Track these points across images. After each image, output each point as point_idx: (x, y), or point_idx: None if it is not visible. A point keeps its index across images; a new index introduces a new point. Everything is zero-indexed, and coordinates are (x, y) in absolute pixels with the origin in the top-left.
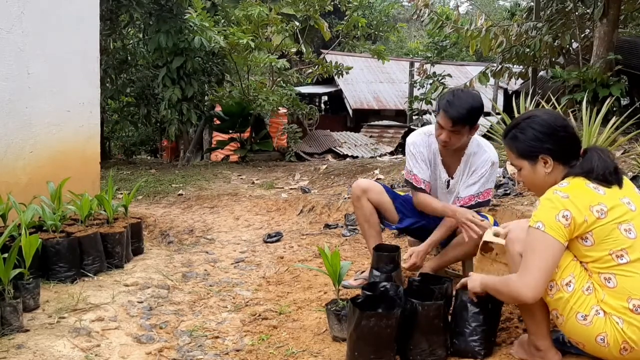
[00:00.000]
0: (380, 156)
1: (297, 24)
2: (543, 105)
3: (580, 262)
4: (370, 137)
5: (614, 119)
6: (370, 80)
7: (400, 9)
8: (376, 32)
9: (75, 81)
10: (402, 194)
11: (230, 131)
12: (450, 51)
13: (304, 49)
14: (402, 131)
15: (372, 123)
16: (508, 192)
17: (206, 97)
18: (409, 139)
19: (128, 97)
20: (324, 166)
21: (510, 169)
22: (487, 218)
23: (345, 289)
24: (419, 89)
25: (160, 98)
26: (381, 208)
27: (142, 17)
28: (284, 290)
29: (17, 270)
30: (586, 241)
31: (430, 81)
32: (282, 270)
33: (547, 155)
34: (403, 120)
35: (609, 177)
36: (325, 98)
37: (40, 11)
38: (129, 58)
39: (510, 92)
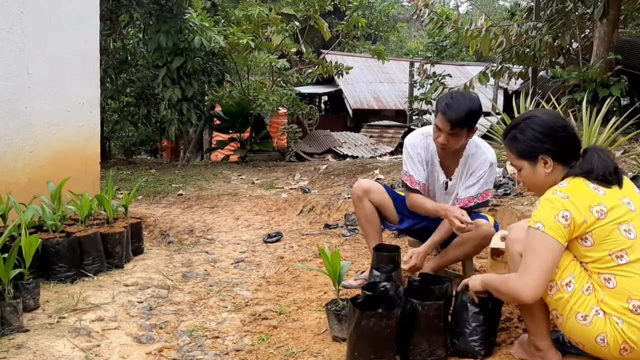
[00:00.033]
0: (380, 156)
1: (297, 24)
2: (543, 105)
3: (580, 263)
4: (370, 137)
5: (614, 119)
6: (370, 80)
7: (400, 9)
8: (376, 32)
9: (75, 81)
10: (402, 194)
11: (230, 131)
12: (450, 51)
13: (304, 49)
14: (402, 131)
15: (372, 123)
16: (508, 192)
17: (206, 97)
18: (406, 140)
19: (128, 97)
20: (324, 166)
21: (510, 169)
22: (487, 219)
23: (345, 289)
24: (419, 89)
25: (160, 98)
26: (382, 208)
27: (142, 17)
28: (284, 290)
29: (17, 270)
30: (586, 241)
31: (430, 81)
32: (282, 270)
33: (546, 155)
34: (403, 120)
35: (609, 177)
36: (325, 98)
37: (40, 11)
38: (129, 58)
39: (510, 92)
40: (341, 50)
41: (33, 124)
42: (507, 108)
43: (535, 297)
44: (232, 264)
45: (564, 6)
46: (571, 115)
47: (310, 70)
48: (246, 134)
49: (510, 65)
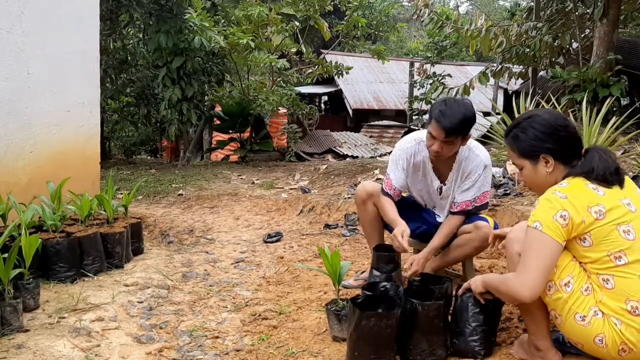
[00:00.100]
0: (380, 156)
1: (297, 24)
2: (543, 105)
3: (580, 263)
4: (370, 137)
5: (614, 119)
6: (370, 80)
7: (400, 9)
8: (376, 32)
9: (75, 81)
10: (405, 194)
11: (230, 131)
12: (450, 51)
13: (304, 49)
14: (402, 131)
15: (372, 123)
16: (508, 192)
17: (206, 97)
18: (398, 144)
19: (128, 97)
20: (324, 166)
21: (511, 169)
22: (487, 220)
23: (345, 289)
24: (419, 89)
25: (160, 98)
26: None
27: (142, 17)
28: (284, 290)
29: (17, 270)
30: (584, 242)
31: (430, 81)
32: (282, 270)
33: (548, 154)
34: (403, 120)
35: (610, 177)
36: (325, 98)
37: (40, 11)
38: (129, 58)
39: (510, 92)
40: (341, 50)
41: (33, 124)
42: (507, 108)
43: (533, 297)
44: (232, 264)
45: (564, 6)
46: (571, 115)
47: (310, 70)
48: (246, 134)
49: (510, 65)
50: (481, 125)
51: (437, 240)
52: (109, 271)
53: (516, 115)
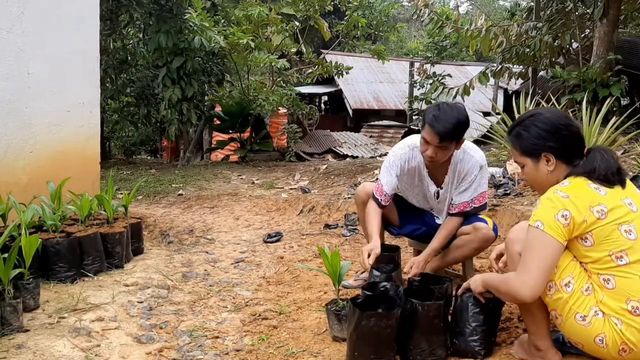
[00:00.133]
0: (380, 156)
1: (297, 24)
2: (543, 105)
3: (580, 263)
4: (370, 137)
5: (614, 119)
6: (370, 80)
7: (400, 9)
8: (376, 32)
9: (75, 81)
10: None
11: (230, 131)
12: (450, 51)
13: (304, 49)
14: (402, 131)
15: (372, 123)
16: (508, 192)
17: (206, 97)
18: (391, 150)
19: (128, 97)
20: (324, 166)
21: (511, 169)
22: (485, 221)
23: (345, 289)
24: (419, 89)
25: (160, 98)
26: (385, 212)
27: (142, 17)
28: (284, 290)
29: (17, 270)
30: (586, 241)
31: (430, 81)
32: (282, 270)
33: (549, 153)
34: (403, 120)
35: (611, 177)
36: (325, 98)
37: (40, 11)
38: (129, 58)
39: (510, 92)
40: (341, 50)
41: (33, 124)
42: (507, 108)
43: (533, 296)
44: (232, 264)
45: (564, 6)
46: (571, 115)
47: (310, 70)
48: (246, 134)
49: (510, 65)
50: (481, 125)
51: (436, 242)
52: (109, 271)
53: (516, 115)
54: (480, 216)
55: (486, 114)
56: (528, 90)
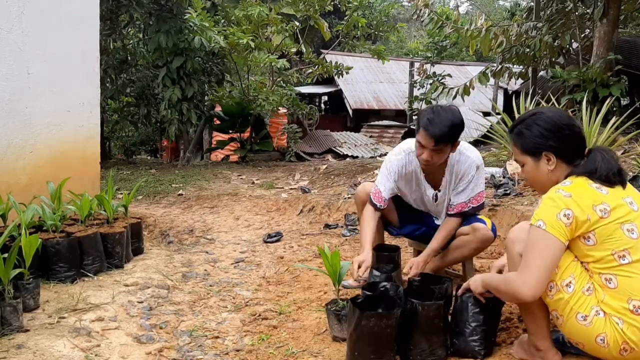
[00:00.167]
0: (380, 156)
1: (297, 24)
2: (543, 105)
3: (581, 263)
4: (370, 137)
5: (614, 119)
6: (370, 80)
7: (400, 9)
8: (376, 32)
9: (75, 81)
10: None
11: (230, 131)
12: (450, 51)
13: (304, 49)
14: (402, 131)
15: (372, 123)
16: (508, 192)
17: (206, 97)
18: (387, 156)
19: (128, 97)
20: (324, 166)
21: (511, 169)
22: (484, 222)
23: (345, 289)
24: (419, 89)
25: (160, 98)
26: (384, 213)
27: (142, 17)
28: (284, 290)
29: (17, 270)
30: (588, 240)
31: (430, 81)
32: (282, 270)
33: (550, 152)
34: (403, 120)
35: (613, 178)
36: (325, 98)
37: (40, 11)
38: (129, 58)
39: (510, 92)
40: (341, 50)
41: (33, 124)
42: (507, 108)
43: (535, 296)
44: (232, 264)
45: (564, 6)
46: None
47: (310, 70)
48: (246, 134)
49: (510, 65)
50: (481, 125)
51: (435, 242)
52: (109, 271)
53: (516, 115)
54: (479, 216)
55: (486, 114)
56: (528, 90)
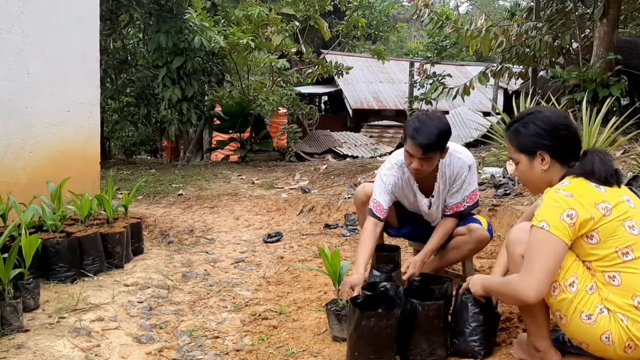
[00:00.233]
0: (380, 156)
1: (297, 24)
2: (543, 105)
3: (583, 262)
4: (370, 137)
5: (614, 119)
6: (370, 80)
7: (400, 9)
8: (376, 32)
9: (75, 81)
10: None
11: (230, 131)
12: (450, 51)
13: (304, 49)
14: (402, 131)
15: (372, 123)
16: (508, 192)
17: (206, 97)
18: (380, 170)
19: (128, 97)
20: (324, 166)
21: (510, 168)
22: (480, 222)
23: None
24: (419, 89)
25: (160, 98)
26: None
27: (142, 17)
28: (284, 290)
29: (17, 270)
30: (592, 239)
31: (430, 81)
32: (282, 270)
33: (545, 152)
34: (403, 120)
35: (610, 179)
36: (325, 98)
37: (40, 11)
38: (129, 58)
39: (510, 92)
40: (341, 50)
41: (33, 124)
42: (507, 108)
43: (538, 298)
44: (232, 264)
45: (564, 6)
46: (571, 115)
47: (310, 70)
48: (246, 134)
49: (510, 65)
50: (481, 125)
51: (432, 242)
52: (109, 271)
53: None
54: (475, 216)
55: (486, 114)
56: (528, 90)
